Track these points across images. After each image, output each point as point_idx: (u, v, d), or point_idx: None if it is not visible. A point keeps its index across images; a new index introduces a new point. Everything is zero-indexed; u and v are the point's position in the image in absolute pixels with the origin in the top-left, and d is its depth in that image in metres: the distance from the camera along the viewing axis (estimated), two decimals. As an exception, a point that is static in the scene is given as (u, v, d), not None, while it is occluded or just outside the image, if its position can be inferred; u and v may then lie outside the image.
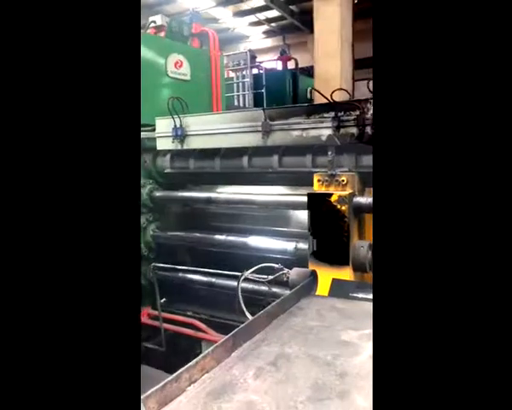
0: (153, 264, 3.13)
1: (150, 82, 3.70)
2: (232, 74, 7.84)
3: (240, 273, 2.44)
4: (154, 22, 4.28)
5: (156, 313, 3.09)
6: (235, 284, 2.52)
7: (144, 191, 3.23)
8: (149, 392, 1.19)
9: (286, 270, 2.36)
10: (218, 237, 2.96)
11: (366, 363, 1.44)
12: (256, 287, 2.54)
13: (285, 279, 2.33)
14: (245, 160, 2.90)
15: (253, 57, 7.87)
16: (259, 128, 2.70)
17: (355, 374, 1.38)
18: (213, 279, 2.99)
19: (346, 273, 2.36)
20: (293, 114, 2.65)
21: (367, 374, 1.37)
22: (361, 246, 2.33)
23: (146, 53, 3.70)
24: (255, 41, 17.19)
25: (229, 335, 1.56)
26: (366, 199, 2.36)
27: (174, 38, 4.00)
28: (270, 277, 2.39)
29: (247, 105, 6.62)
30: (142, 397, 1.17)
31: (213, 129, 2.91)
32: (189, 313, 3.11)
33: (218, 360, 1.46)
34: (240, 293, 2.35)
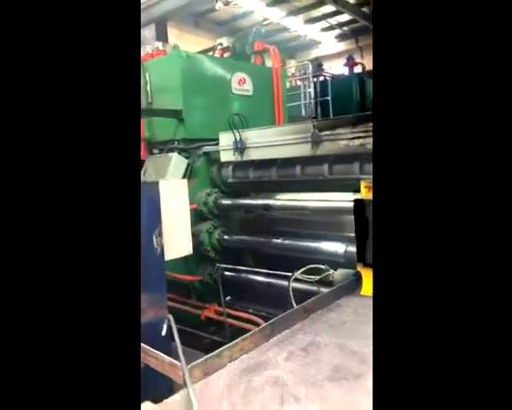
0: (217, 265, 3.47)
1: (217, 100, 4.06)
2: (300, 83, 8.06)
3: (291, 274, 2.67)
4: (221, 44, 4.67)
5: (221, 309, 3.42)
6: (293, 284, 2.74)
7: (210, 199, 3.60)
8: (194, 363, 1.48)
9: (331, 271, 2.54)
10: (275, 240, 3.21)
11: (387, 353, 1.59)
12: (306, 287, 2.74)
13: (331, 279, 2.51)
14: (298, 168, 3.13)
15: (319, 65, 8.02)
16: (309, 139, 2.92)
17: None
18: (271, 280, 3.25)
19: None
20: (340, 125, 2.82)
21: (385, 361, 1.53)
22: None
23: (213, 74, 4.08)
24: (327, 46, 17.21)
25: (267, 323, 1.81)
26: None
27: (238, 58, 4.35)
28: (318, 277, 2.58)
29: (313, 114, 6.81)
30: (188, 367, 1.46)
31: (268, 141, 3.18)
32: (250, 311, 3.39)
33: (256, 344, 1.71)
34: (291, 292, 2.57)
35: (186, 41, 12.57)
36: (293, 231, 3.25)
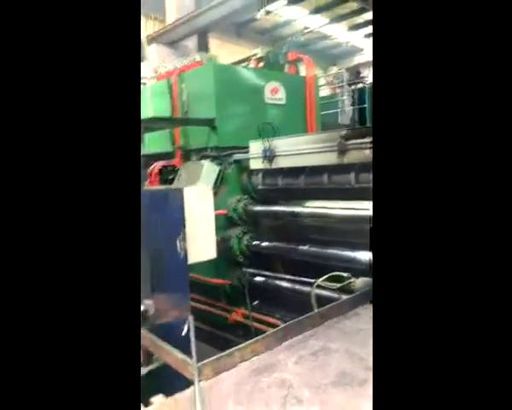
0: (244, 269, 3.55)
1: (249, 108, 4.17)
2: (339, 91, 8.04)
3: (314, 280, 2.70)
4: (256, 54, 4.78)
5: (248, 313, 3.50)
6: (317, 291, 2.77)
7: (240, 205, 3.69)
8: (206, 361, 1.56)
9: (353, 279, 2.55)
10: (302, 247, 3.25)
11: (396, 361, 1.60)
12: (330, 294, 2.76)
13: (352, 287, 2.52)
14: (325, 177, 3.16)
15: (358, 73, 7.98)
16: (336, 148, 2.95)
17: (381, 369, 1.56)
18: (297, 286, 3.28)
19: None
20: (366, 134, 2.83)
21: (392, 370, 1.54)
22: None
23: (246, 83, 4.19)
24: (371, 53, 16.98)
25: (280, 327, 1.86)
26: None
27: (271, 68, 4.44)
28: (339, 285, 2.60)
29: (348, 122, 6.78)
30: (199, 364, 1.54)
31: (296, 150, 3.23)
32: (276, 316, 3.44)
33: (268, 346, 1.77)
34: (313, 299, 2.60)
35: (227, 51, 12.85)
36: (320, 239, 3.27)
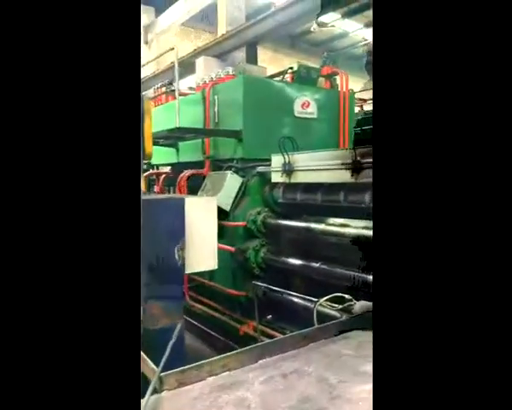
0: (253, 282, 3.55)
1: (277, 122, 4.19)
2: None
3: (316, 300, 2.66)
4: (291, 68, 4.80)
5: (260, 326, 3.49)
6: (323, 309, 2.73)
7: (259, 218, 3.71)
8: (170, 371, 1.59)
9: (354, 301, 2.47)
10: (313, 264, 3.20)
11: (364, 393, 1.54)
12: (333, 313, 2.69)
13: (351, 310, 2.45)
14: (341, 194, 3.10)
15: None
16: (350, 166, 2.89)
17: (346, 399, 1.50)
18: (308, 303, 3.23)
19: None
20: (382, 153, 2.74)
21: (356, 401, 1.48)
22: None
23: (275, 97, 4.22)
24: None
25: (257, 345, 1.85)
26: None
27: (303, 82, 4.44)
28: (340, 306, 2.53)
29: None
30: (163, 374, 1.57)
31: (312, 165, 3.20)
32: (286, 331, 3.40)
33: (243, 363, 1.76)
34: (315, 318, 2.56)
35: (279, 63, 12.98)
36: (333, 256, 3.21)
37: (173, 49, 3.90)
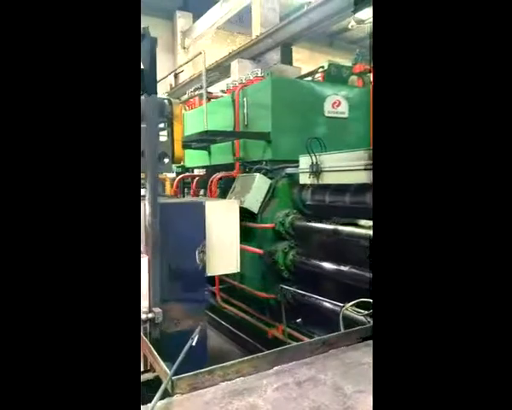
0: (280, 286, 3.51)
1: (307, 122, 4.13)
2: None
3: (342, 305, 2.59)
4: (323, 67, 4.72)
5: (288, 330, 3.45)
6: (350, 314, 2.66)
7: (287, 220, 3.66)
8: (182, 375, 1.59)
9: (379, 307, 2.38)
10: (343, 268, 3.13)
11: (380, 404, 1.47)
12: (360, 318, 2.61)
13: (377, 316, 2.36)
14: (368, 196, 3.00)
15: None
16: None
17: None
18: (336, 308, 3.16)
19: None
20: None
21: (370, 413, 1.42)
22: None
23: (304, 97, 4.16)
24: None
25: (273, 350, 1.82)
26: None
27: (333, 80, 4.35)
28: (366, 312, 2.45)
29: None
30: (173, 378, 1.57)
31: (339, 166, 3.13)
32: (314, 336, 3.34)
33: (257, 369, 1.74)
34: (341, 323, 2.50)
35: (316, 62, 12.80)
36: (362, 259, 3.11)
37: (200, 53, 3.94)
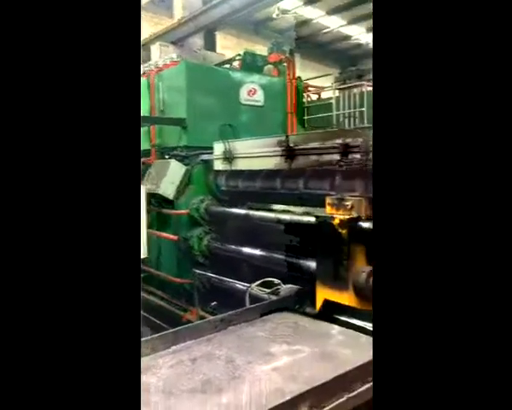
0: (193, 270, 3.57)
1: (222, 109, 4.18)
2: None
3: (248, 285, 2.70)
4: (240, 55, 4.78)
5: (203, 313, 3.52)
6: (255, 292, 2.77)
7: (202, 206, 3.71)
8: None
9: (282, 286, 2.53)
10: (254, 251, 3.25)
11: (265, 373, 1.58)
12: (265, 296, 2.74)
13: (278, 293, 2.50)
14: (278, 181, 3.14)
15: (359, 76, 7.79)
16: (284, 152, 2.93)
17: (246, 379, 1.55)
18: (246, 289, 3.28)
19: (346, 297, 2.40)
20: (312, 140, 2.79)
21: (254, 380, 1.53)
22: (362, 271, 2.35)
23: (220, 84, 4.20)
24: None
25: (170, 331, 1.87)
26: (370, 224, 2.37)
27: (249, 69, 4.44)
28: (270, 290, 2.59)
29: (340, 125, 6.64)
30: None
31: (251, 153, 3.23)
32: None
33: (155, 349, 1.78)
34: (247, 301, 2.61)
35: (244, 49, 12.87)
36: (272, 242, 3.25)
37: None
